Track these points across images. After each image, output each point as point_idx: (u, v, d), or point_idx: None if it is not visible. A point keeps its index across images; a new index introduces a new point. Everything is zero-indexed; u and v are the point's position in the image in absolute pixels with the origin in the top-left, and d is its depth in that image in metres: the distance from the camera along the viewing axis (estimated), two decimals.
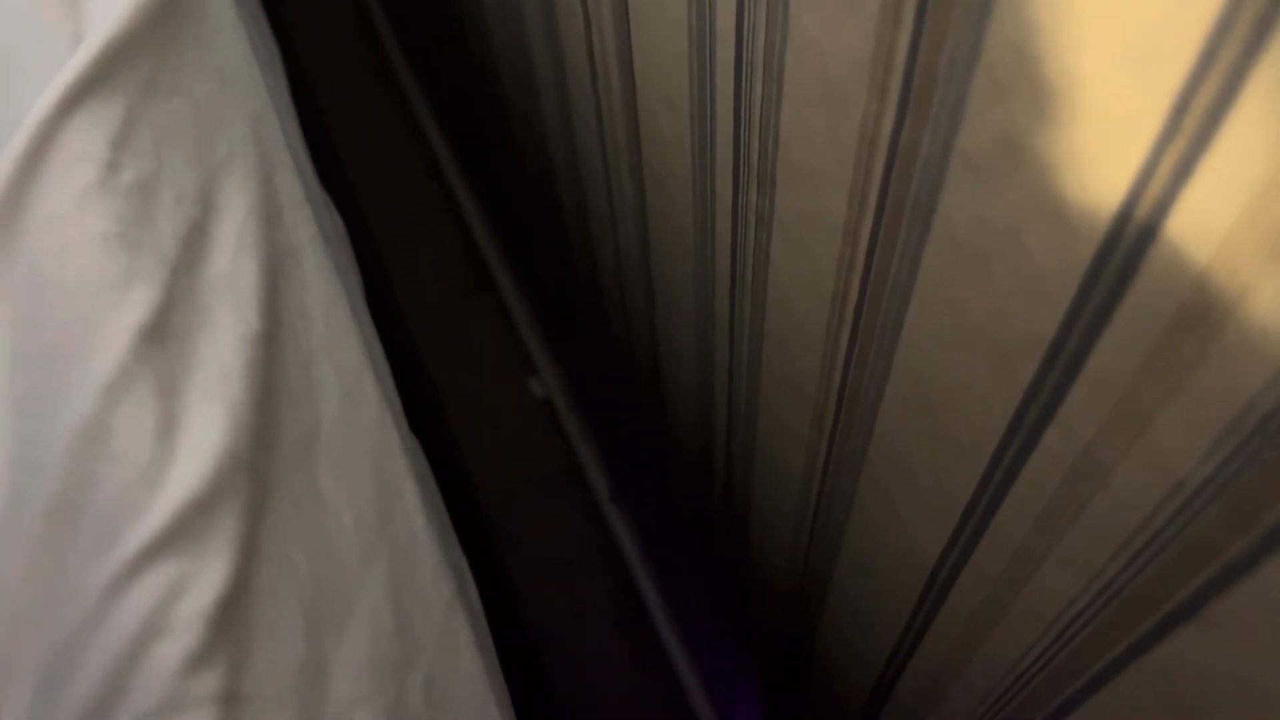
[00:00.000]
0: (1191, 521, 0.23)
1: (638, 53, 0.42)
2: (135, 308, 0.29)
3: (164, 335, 0.30)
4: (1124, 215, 0.20)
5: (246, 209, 0.32)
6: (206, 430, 0.32)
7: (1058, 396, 0.25)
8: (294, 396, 0.33)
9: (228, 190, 0.32)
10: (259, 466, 0.32)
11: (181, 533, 0.32)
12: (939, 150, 0.25)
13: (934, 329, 0.29)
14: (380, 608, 0.36)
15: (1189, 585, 0.24)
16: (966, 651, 0.37)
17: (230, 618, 0.31)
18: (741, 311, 0.43)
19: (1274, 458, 0.20)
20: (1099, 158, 0.20)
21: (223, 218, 0.31)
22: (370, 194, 1.35)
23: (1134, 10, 0.18)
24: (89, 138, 0.29)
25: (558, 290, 0.95)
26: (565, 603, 1.11)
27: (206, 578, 0.31)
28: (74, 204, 0.28)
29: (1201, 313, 0.20)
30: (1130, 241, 0.21)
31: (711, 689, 0.93)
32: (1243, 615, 0.22)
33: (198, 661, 0.30)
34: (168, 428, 0.32)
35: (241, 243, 0.32)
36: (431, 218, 1.36)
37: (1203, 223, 0.19)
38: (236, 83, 0.37)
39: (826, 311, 0.35)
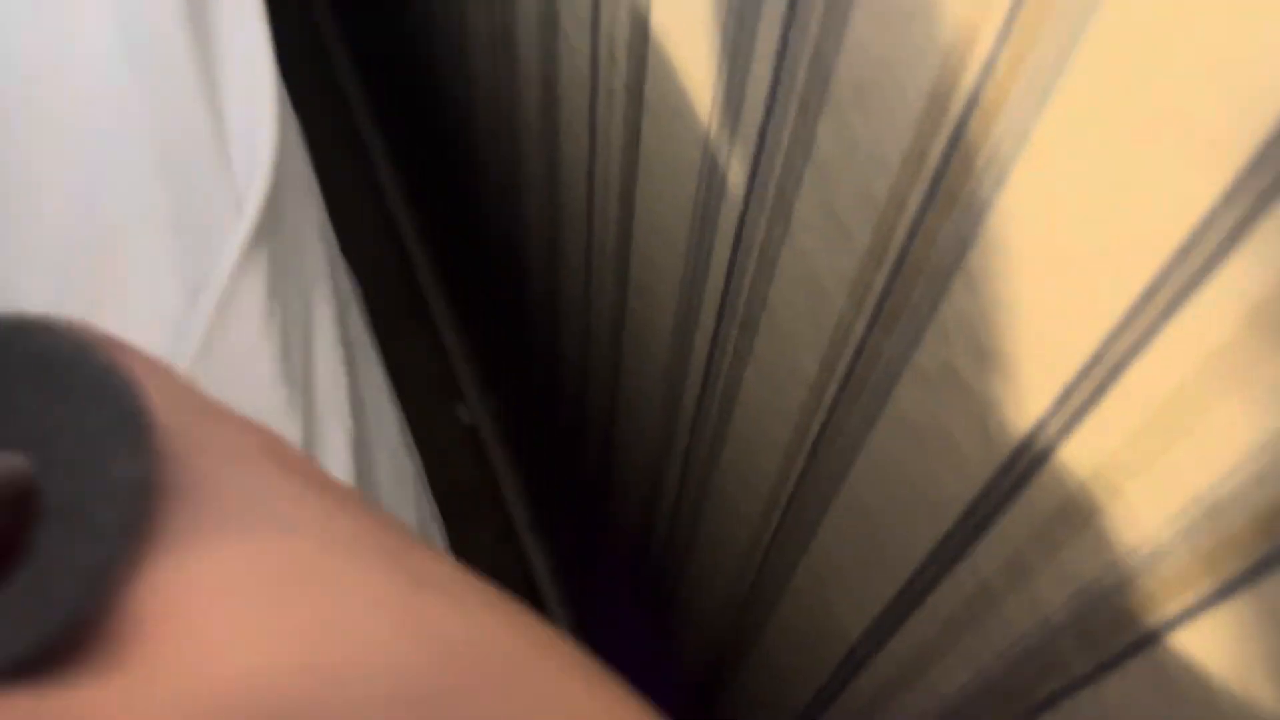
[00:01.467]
0: (1052, 643, 0.32)
1: (640, 199, 0.50)
2: (293, 435, 0.35)
3: (311, 454, 0.36)
4: (1034, 434, 0.30)
5: (331, 318, 0.39)
6: None
7: (969, 542, 0.34)
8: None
9: (318, 308, 0.38)
10: None
11: None
12: (898, 357, 0.34)
13: (877, 475, 0.38)
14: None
15: (1047, 687, 0.33)
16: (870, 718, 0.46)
17: None
18: (708, 413, 0.52)
19: (1112, 606, 0.29)
20: (1021, 394, 0.30)
21: (319, 334, 0.38)
22: None
23: (1058, 290, 0.27)
24: (254, 288, 0.34)
25: (502, 329, 1.01)
26: None
27: None
28: (247, 349, 0.34)
29: (1081, 507, 0.29)
30: (1035, 451, 0.30)
31: None
32: (1086, 714, 0.32)
33: None
34: None
35: (334, 353, 0.38)
36: (367, 233, 1.40)
37: (1092, 446, 0.28)
38: (299, 188, 0.43)
39: (788, 435, 0.44)
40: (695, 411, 0.53)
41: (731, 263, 0.43)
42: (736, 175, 0.40)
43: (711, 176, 0.42)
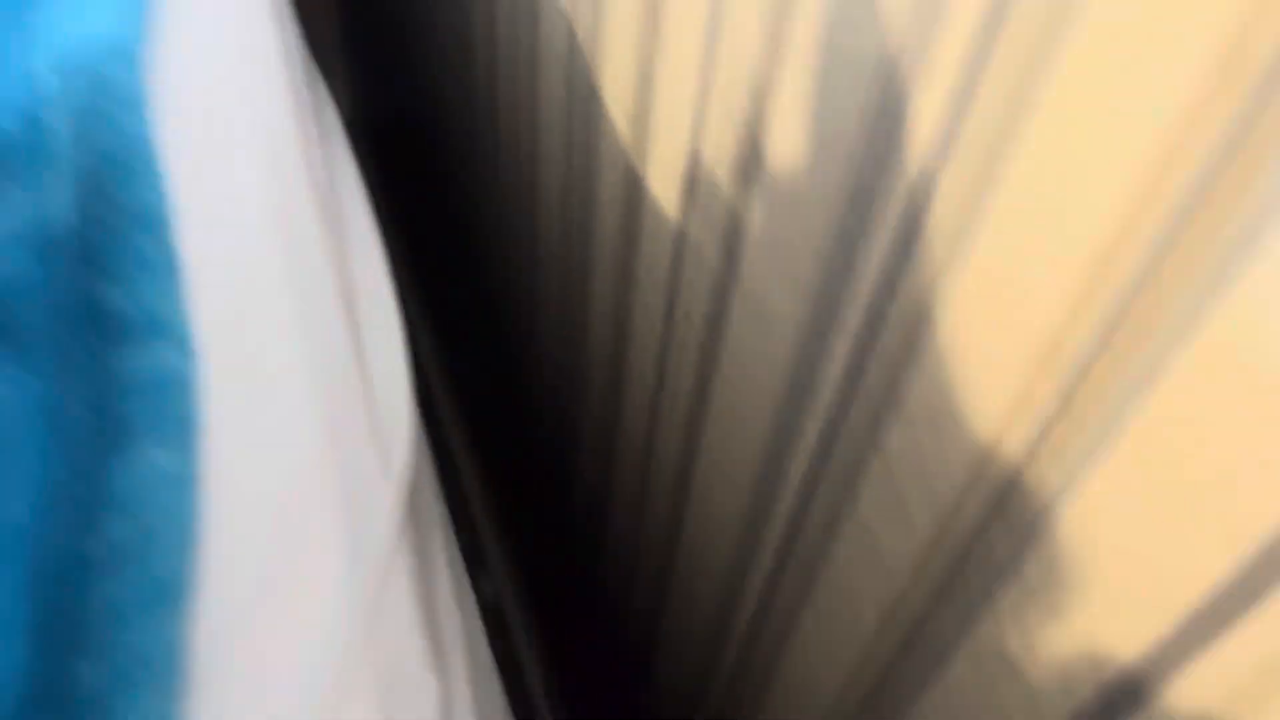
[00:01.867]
0: None
1: (705, 442, 0.55)
2: (434, 703, 0.38)
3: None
4: None
5: (448, 569, 0.43)
6: None
7: None
8: None
9: (439, 558, 0.43)
10: None
11: None
12: (954, 631, 0.38)
13: None
14: None
15: None
16: None
17: None
18: (760, 643, 0.55)
19: None
20: (1071, 688, 0.34)
21: (441, 586, 0.42)
22: None
23: (1109, 603, 0.31)
24: (404, 560, 0.39)
25: (541, 518, 1.05)
26: None
27: None
28: (402, 621, 0.38)
29: None
30: None
31: None
32: None
33: None
34: None
35: (456, 612, 0.42)
36: None
37: None
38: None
39: (842, 679, 0.47)
40: (746, 640, 0.57)
41: (795, 514, 0.48)
42: (805, 445, 0.45)
43: (779, 441, 0.47)
